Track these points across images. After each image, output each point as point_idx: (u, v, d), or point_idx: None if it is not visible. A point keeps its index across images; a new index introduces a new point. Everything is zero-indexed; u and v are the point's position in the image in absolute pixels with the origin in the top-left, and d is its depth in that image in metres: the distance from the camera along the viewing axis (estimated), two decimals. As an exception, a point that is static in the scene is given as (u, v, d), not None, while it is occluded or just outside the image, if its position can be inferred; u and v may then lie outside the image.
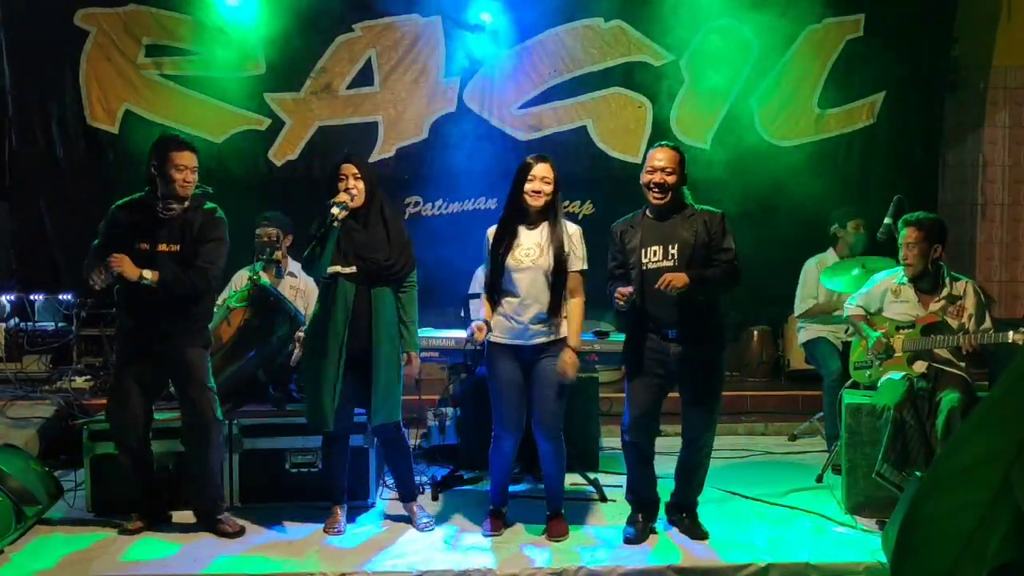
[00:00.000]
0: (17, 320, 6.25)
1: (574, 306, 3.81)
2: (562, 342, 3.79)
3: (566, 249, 3.76)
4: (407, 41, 6.53)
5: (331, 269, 3.80)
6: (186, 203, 3.88)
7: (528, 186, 3.76)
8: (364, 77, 6.55)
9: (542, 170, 3.77)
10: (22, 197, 6.53)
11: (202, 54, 6.41)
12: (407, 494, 4.13)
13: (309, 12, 6.42)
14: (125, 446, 3.94)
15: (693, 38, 6.57)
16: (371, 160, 6.21)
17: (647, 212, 3.81)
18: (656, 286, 3.56)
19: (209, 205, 3.95)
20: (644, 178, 3.75)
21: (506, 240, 3.81)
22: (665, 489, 4.03)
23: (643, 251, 3.72)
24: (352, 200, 3.79)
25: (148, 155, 3.86)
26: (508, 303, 3.80)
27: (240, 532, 3.94)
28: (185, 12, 6.38)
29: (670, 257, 3.69)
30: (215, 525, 3.93)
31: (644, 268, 3.71)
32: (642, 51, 6.62)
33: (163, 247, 3.82)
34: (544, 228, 3.81)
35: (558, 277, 3.75)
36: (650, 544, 3.81)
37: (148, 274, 3.71)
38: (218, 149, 6.44)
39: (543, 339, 3.78)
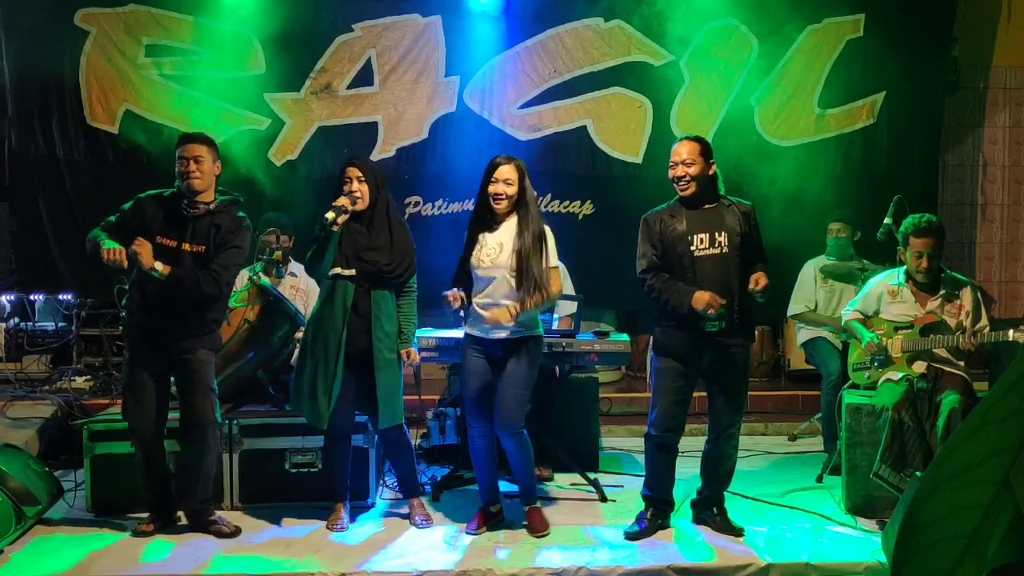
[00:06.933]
0: (17, 320, 6.25)
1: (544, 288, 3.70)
2: (531, 340, 3.78)
3: (527, 249, 3.67)
4: (407, 41, 6.53)
5: (332, 271, 3.80)
6: (212, 204, 3.86)
7: (491, 187, 3.74)
8: (364, 77, 6.54)
9: (506, 172, 3.72)
10: (22, 197, 6.52)
11: (202, 54, 6.41)
12: (410, 490, 4.15)
13: (309, 12, 6.42)
14: (141, 442, 3.91)
15: (693, 38, 6.57)
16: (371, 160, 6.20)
17: (682, 203, 3.80)
18: (756, 287, 3.57)
19: (240, 214, 3.94)
20: (669, 173, 3.78)
21: (474, 238, 3.80)
22: (681, 491, 4.04)
23: (691, 237, 3.70)
24: (354, 204, 3.78)
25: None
26: (476, 299, 3.79)
27: (235, 532, 3.91)
28: (185, 12, 6.37)
29: (718, 245, 3.67)
30: (208, 526, 3.91)
31: (694, 255, 3.68)
32: (642, 51, 6.61)
33: (187, 247, 3.80)
34: (507, 228, 3.76)
35: (521, 276, 3.69)
36: (650, 544, 3.80)
37: (159, 266, 3.68)
38: (218, 149, 6.43)
39: (507, 335, 3.75)
